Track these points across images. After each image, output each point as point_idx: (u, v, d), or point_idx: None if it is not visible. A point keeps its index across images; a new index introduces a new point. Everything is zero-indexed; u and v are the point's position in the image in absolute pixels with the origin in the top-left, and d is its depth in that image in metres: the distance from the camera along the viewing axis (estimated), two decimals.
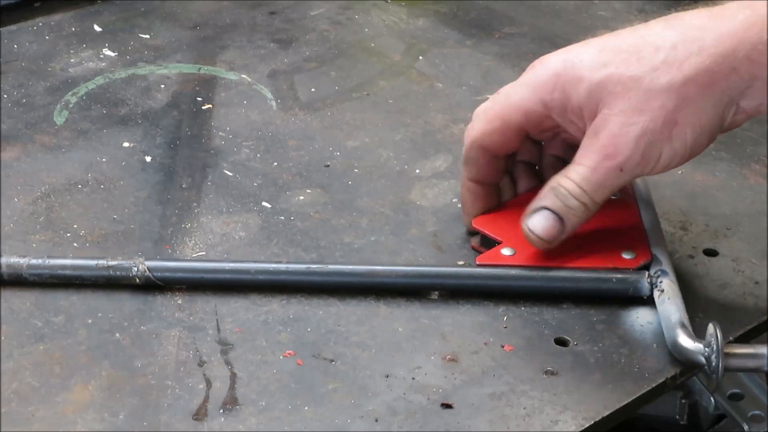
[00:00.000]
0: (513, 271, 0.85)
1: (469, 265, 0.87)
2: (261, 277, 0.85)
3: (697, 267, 0.90)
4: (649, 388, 0.79)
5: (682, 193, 0.97)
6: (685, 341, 0.78)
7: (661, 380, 0.79)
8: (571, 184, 0.83)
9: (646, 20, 1.18)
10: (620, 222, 0.89)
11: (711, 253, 0.92)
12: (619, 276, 0.85)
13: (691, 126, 0.81)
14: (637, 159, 0.81)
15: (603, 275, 0.85)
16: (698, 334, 0.79)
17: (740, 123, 0.83)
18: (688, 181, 1.00)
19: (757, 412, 1.10)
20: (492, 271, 0.85)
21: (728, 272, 0.89)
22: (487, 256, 0.87)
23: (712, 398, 1.06)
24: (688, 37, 0.81)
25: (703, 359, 0.76)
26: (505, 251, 0.86)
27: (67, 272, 0.84)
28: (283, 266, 0.85)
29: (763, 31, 0.79)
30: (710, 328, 0.76)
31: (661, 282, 0.84)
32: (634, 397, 0.78)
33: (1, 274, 0.83)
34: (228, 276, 0.85)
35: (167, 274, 0.84)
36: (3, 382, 0.76)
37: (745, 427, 1.09)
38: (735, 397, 1.11)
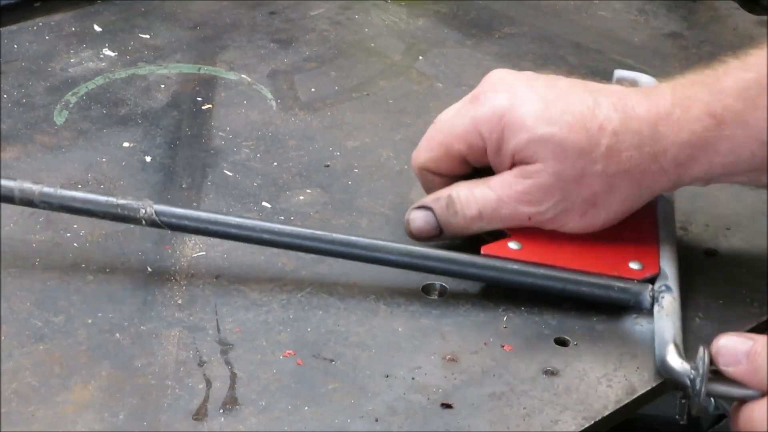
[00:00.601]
0: (515, 266, 0.85)
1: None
2: (266, 236, 0.84)
3: (697, 267, 0.90)
4: (649, 388, 0.79)
5: (682, 194, 0.97)
6: (674, 360, 0.78)
7: (661, 380, 0.79)
8: (473, 205, 0.87)
9: (646, 20, 1.19)
10: (635, 231, 0.88)
11: (711, 253, 0.92)
12: (621, 285, 0.84)
13: (606, 210, 0.85)
14: (548, 217, 0.86)
15: (606, 282, 0.84)
16: (696, 334, 0.79)
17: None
18: None
19: None
20: (495, 262, 0.85)
21: (728, 272, 0.89)
22: (492, 247, 0.86)
23: (712, 398, 1.06)
24: (630, 128, 0.83)
25: (687, 380, 0.76)
26: (512, 245, 0.86)
27: (77, 204, 0.85)
28: (288, 228, 0.85)
29: (693, 132, 0.82)
30: (700, 351, 0.75)
31: (663, 298, 0.83)
32: (634, 397, 0.78)
33: (14, 197, 0.84)
34: (233, 231, 0.85)
35: (173, 220, 0.84)
36: (3, 382, 0.76)
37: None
38: None
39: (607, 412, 0.76)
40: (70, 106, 1.06)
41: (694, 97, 0.83)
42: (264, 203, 0.95)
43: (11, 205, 0.92)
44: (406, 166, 1.00)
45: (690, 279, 0.88)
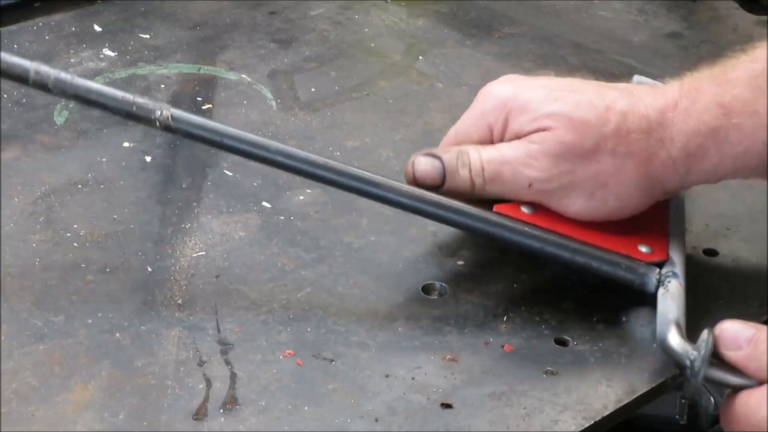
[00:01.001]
0: (527, 228, 0.84)
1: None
2: (279, 158, 0.84)
3: (697, 267, 0.90)
4: (649, 388, 0.79)
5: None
6: (675, 340, 0.77)
7: (661, 380, 0.79)
8: (478, 162, 0.85)
9: (646, 20, 1.19)
10: (647, 217, 0.88)
11: (711, 253, 0.92)
12: (630, 264, 0.84)
13: (615, 195, 0.84)
14: (552, 188, 0.84)
15: (614, 258, 0.84)
16: (696, 334, 0.79)
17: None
18: None
19: None
20: (506, 221, 0.84)
21: (728, 272, 0.89)
22: (505, 206, 0.85)
23: (712, 398, 1.06)
24: (638, 111, 0.83)
25: (687, 361, 0.75)
26: (525, 208, 0.85)
27: (92, 96, 0.83)
28: (303, 154, 0.84)
29: (701, 121, 0.82)
30: (704, 334, 0.75)
31: (669, 282, 0.83)
32: (634, 397, 0.78)
33: (29, 78, 0.83)
34: (245, 147, 0.84)
35: (188, 128, 0.83)
36: (3, 382, 0.76)
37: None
38: None
39: (607, 412, 0.76)
40: (70, 106, 1.06)
41: (701, 89, 0.83)
42: (264, 203, 0.95)
43: (11, 205, 0.92)
44: None
45: (690, 279, 0.88)
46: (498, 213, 0.85)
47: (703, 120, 0.82)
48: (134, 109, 0.83)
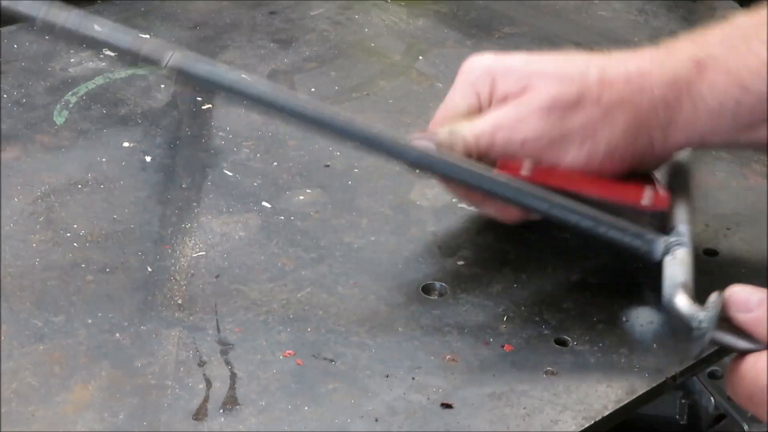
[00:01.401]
0: (532, 188, 0.84)
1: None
2: (286, 108, 0.83)
3: (697, 267, 0.90)
4: (649, 388, 0.79)
5: None
6: (682, 300, 0.77)
7: (661, 380, 0.79)
8: (470, 133, 0.86)
9: (646, 20, 1.19)
10: (643, 179, 0.88)
11: (711, 253, 0.92)
12: (637, 230, 0.84)
13: (607, 141, 0.84)
14: (543, 144, 0.85)
15: (622, 224, 0.84)
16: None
17: (668, 154, 0.88)
18: None
19: None
20: (511, 181, 0.84)
21: (728, 272, 0.89)
22: (505, 170, 0.86)
23: (712, 398, 1.06)
24: (616, 65, 0.85)
25: (695, 322, 0.74)
26: (523, 170, 0.86)
27: (100, 37, 0.82)
28: (310, 105, 0.83)
29: (676, 73, 0.84)
30: (713, 296, 0.74)
31: (676, 250, 0.83)
32: (634, 397, 0.78)
33: (38, 19, 0.82)
34: (253, 94, 0.83)
35: (193, 75, 0.83)
36: (3, 382, 0.76)
37: (745, 427, 1.08)
38: None
39: (607, 412, 0.76)
40: (70, 106, 1.06)
41: (677, 47, 0.86)
42: (264, 203, 0.95)
43: (11, 205, 0.92)
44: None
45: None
46: (503, 174, 0.85)
47: (678, 72, 0.84)
48: (142, 52, 0.82)
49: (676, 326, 0.78)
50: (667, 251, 0.83)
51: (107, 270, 0.86)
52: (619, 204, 0.86)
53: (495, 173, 0.85)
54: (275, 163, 1.00)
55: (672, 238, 0.84)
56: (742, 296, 0.73)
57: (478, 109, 0.88)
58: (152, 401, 0.75)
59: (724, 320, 0.73)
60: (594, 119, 0.84)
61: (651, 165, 0.88)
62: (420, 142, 0.87)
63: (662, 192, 0.87)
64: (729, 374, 0.74)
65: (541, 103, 0.84)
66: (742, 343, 0.73)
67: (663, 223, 0.87)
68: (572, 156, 0.85)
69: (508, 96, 0.86)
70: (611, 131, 0.85)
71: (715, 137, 0.86)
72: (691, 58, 0.84)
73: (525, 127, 0.85)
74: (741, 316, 0.73)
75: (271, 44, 1.19)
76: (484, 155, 0.86)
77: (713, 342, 0.73)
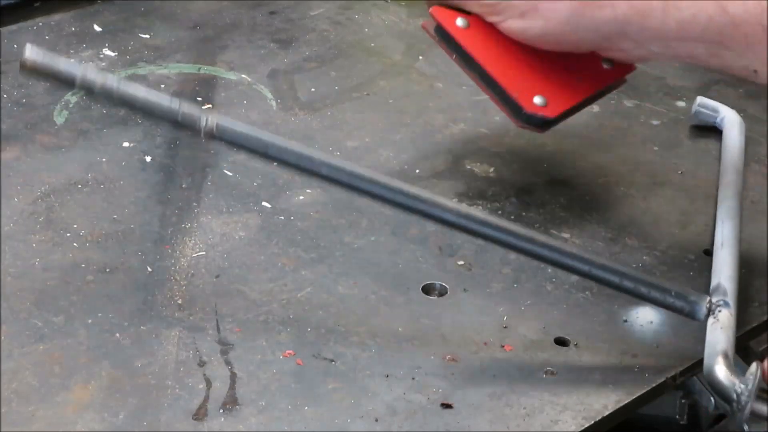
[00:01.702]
0: (574, 249, 0.83)
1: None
2: (323, 170, 0.82)
3: (697, 267, 0.90)
4: (649, 388, 0.79)
5: (681, 194, 0.97)
6: (721, 372, 0.76)
7: (661, 380, 0.79)
8: None
9: None
10: (572, 79, 0.92)
11: (711, 253, 0.91)
12: (679, 291, 0.82)
13: (545, 19, 0.88)
14: (490, 3, 0.89)
15: (664, 285, 0.82)
16: (695, 334, 0.79)
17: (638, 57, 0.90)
18: (689, 181, 1.00)
19: None
20: (556, 244, 0.82)
21: None
22: (442, 11, 0.90)
23: (712, 398, 1.06)
24: None
25: (734, 395, 0.74)
26: (460, 20, 0.90)
27: (137, 103, 0.82)
28: (348, 165, 0.82)
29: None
30: (753, 366, 0.73)
31: (719, 312, 0.81)
32: (634, 397, 0.78)
33: (75, 79, 0.81)
34: (289, 158, 0.82)
35: (233, 138, 0.82)
36: (3, 382, 0.76)
37: (745, 427, 1.08)
38: None
39: (607, 412, 0.76)
40: (70, 106, 1.06)
41: None
42: (264, 203, 0.95)
43: (11, 205, 0.92)
44: (406, 166, 1.00)
45: (690, 279, 0.88)
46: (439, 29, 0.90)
47: None
48: (180, 118, 0.82)
49: (717, 398, 0.77)
50: (710, 312, 0.81)
51: (107, 270, 0.86)
52: (507, 93, 0.90)
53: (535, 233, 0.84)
54: (275, 163, 1.00)
55: (715, 298, 0.83)
56: None
57: None
58: (152, 401, 0.75)
59: (764, 390, 0.73)
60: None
61: (620, 58, 0.91)
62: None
63: (562, 103, 0.90)
64: None
65: None
66: None
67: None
68: (509, 23, 0.89)
69: None
70: (553, 13, 0.87)
71: (681, 49, 0.87)
72: None
73: None
74: None
75: (271, 44, 1.19)
76: None
77: (754, 414, 0.73)
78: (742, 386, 0.74)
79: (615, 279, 0.82)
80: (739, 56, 0.84)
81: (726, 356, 0.77)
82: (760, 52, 0.83)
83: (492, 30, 0.89)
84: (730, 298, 0.83)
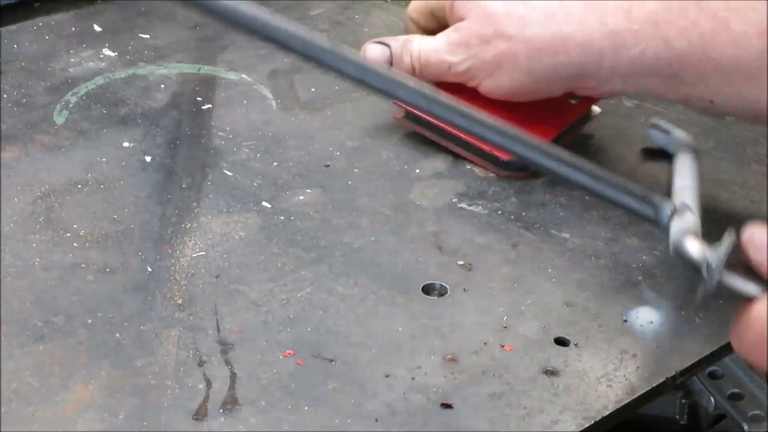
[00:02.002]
0: (541, 144, 0.83)
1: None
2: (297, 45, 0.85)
3: (697, 267, 0.90)
4: (649, 388, 0.79)
5: None
6: (692, 243, 0.76)
7: (661, 380, 0.79)
8: (417, 50, 0.98)
9: None
10: (547, 119, 0.97)
11: None
12: (643, 193, 0.82)
13: (510, 77, 0.94)
14: (463, 71, 0.96)
15: (629, 185, 0.82)
16: (696, 334, 0.79)
17: (601, 92, 0.94)
18: None
19: (757, 412, 1.10)
20: (529, 139, 0.83)
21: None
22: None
23: (712, 398, 1.06)
24: (545, 4, 0.91)
25: (704, 264, 0.72)
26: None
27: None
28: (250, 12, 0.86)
29: (602, 21, 0.89)
30: (725, 236, 0.71)
31: (684, 214, 0.81)
32: (634, 397, 0.78)
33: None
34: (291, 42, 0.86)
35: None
36: (3, 382, 0.76)
37: (745, 427, 1.08)
38: (735, 397, 1.10)
39: (607, 412, 0.76)
40: (70, 106, 1.06)
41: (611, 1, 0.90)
42: (264, 203, 0.95)
43: (11, 205, 0.92)
44: (406, 166, 1.00)
45: (689, 279, 0.88)
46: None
47: (604, 20, 0.88)
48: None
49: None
50: (674, 214, 0.81)
51: (107, 270, 0.86)
52: (482, 150, 0.96)
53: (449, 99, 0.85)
54: (275, 163, 1.00)
55: (680, 204, 0.83)
56: (763, 236, 0.70)
57: (442, 8, 0.98)
58: (152, 401, 0.75)
59: (736, 264, 0.70)
60: (501, 54, 0.92)
61: (593, 95, 0.96)
62: (375, 46, 0.99)
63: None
64: (736, 324, 0.72)
65: (464, 35, 0.94)
66: (753, 288, 0.70)
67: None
68: (484, 84, 0.95)
69: (455, 14, 0.96)
70: (515, 66, 0.92)
71: (634, 83, 0.90)
72: (621, 8, 0.88)
73: (452, 51, 0.95)
74: (759, 259, 0.70)
75: (272, 44, 1.19)
76: (423, 72, 0.97)
77: (721, 285, 0.70)
78: (713, 254, 0.72)
79: (578, 177, 0.82)
80: (694, 88, 0.87)
81: (696, 234, 0.77)
82: (712, 83, 0.86)
83: (456, 95, 0.87)
84: (694, 212, 0.83)
